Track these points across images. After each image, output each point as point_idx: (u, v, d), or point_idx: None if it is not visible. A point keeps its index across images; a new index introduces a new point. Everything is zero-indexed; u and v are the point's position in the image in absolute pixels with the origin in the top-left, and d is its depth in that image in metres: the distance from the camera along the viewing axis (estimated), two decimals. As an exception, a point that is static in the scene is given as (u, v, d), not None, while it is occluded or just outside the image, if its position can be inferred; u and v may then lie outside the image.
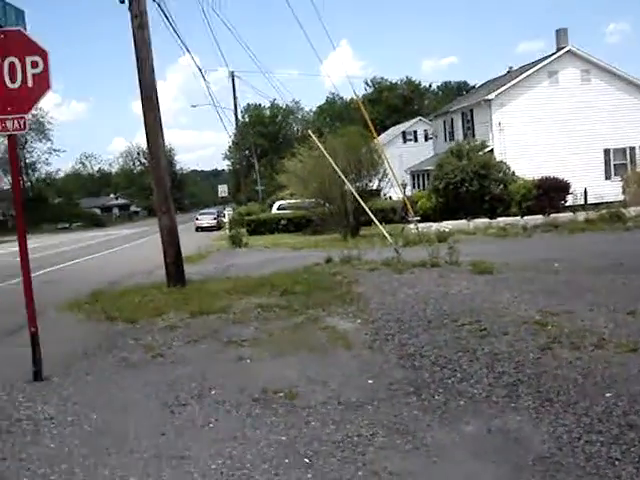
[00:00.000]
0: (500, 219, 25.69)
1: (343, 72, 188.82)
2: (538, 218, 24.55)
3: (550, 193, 27.67)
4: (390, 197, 33.13)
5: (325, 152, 19.71)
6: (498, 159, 30.65)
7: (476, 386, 5.46)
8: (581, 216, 24.04)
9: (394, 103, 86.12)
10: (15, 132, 6.67)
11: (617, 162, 33.65)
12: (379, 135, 30.39)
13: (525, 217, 25.52)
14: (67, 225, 77.82)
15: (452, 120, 40.16)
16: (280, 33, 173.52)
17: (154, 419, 5.25)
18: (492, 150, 32.28)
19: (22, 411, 5.70)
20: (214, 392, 5.82)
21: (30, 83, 6.52)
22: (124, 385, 6.33)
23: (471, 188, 27.81)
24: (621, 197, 28.77)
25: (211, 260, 19.84)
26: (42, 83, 6.58)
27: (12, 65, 6.47)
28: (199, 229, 46.33)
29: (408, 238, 18.94)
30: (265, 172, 68.48)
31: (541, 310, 7.99)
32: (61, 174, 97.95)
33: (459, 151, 29.69)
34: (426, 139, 53.50)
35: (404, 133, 58.79)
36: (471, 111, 36.89)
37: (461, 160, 28.79)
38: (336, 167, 19.37)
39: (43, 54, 6.53)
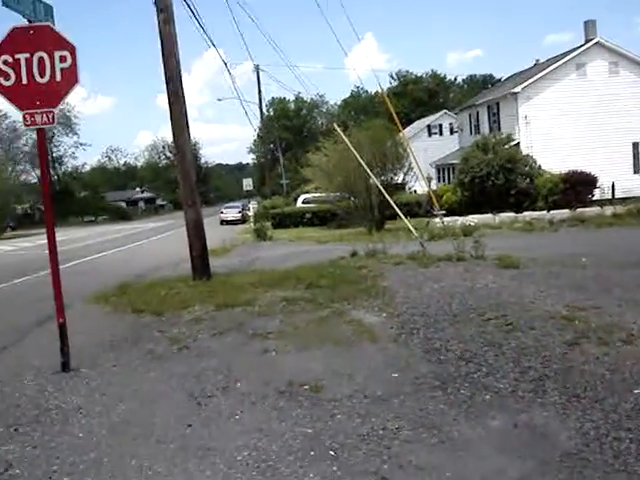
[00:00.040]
0: (526, 213, 25.48)
1: (368, 65, 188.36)
2: (565, 212, 24.31)
3: (577, 187, 27.38)
4: (415, 191, 33.01)
5: (350, 146, 19.66)
6: (524, 153, 30.38)
7: (502, 381, 5.42)
8: (608, 210, 23.76)
9: (419, 96, 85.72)
10: (44, 126, 6.74)
11: (646, 156, 33.22)
12: (404, 129, 30.27)
13: (551, 211, 25.28)
14: (93, 218, 78.67)
15: (478, 113, 39.90)
16: (305, 26, 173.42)
17: (180, 410, 5.29)
18: (518, 144, 32.01)
19: (51, 401, 5.79)
20: (240, 384, 5.85)
21: (59, 77, 6.58)
22: (151, 377, 6.39)
23: (497, 182, 27.60)
24: (650, 191, 28.42)
25: (236, 253, 19.91)
26: (70, 77, 6.64)
27: (41, 60, 6.53)
28: (224, 222, 46.47)
29: (433, 232, 18.84)
30: (290, 166, 68.61)
31: (568, 305, 7.90)
32: (87, 168, 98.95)
33: (485, 145, 29.47)
34: (451, 132, 53.26)
35: (429, 127, 58.52)
36: (497, 104, 36.61)
37: (487, 154, 28.58)
38: (361, 161, 19.30)
39: (71, 49, 6.59)
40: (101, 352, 7.50)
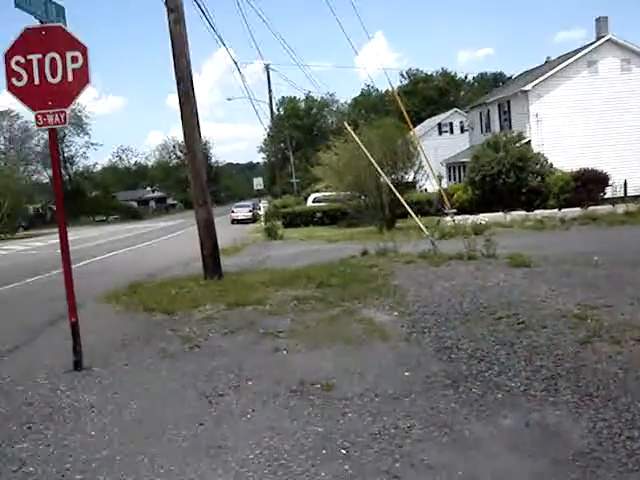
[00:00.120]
0: (537, 212, 25.37)
1: (378, 64, 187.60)
2: (576, 211, 24.19)
3: (588, 185, 27.21)
4: (426, 189, 32.94)
5: (361, 144, 19.64)
6: (535, 151, 30.23)
7: (514, 379, 5.41)
8: (620, 208, 23.61)
9: (429, 95, 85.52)
10: (56, 126, 6.77)
11: (659, 153, 32.93)
12: (414, 127, 30.19)
13: (563, 210, 25.15)
14: (104, 218, 78.91)
15: (488, 111, 39.78)
16: (315, 25, 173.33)
17: (192, 409, 5.31)
18: (529, 142, 31.88)
19: (64, 399, 5.83)
20: (251, 383, 5.87)
21: (70, 78, 6.61)
22: (162, 375, 6.41)
23: (508, 180, 27.49)
24: (663, 189, 28.25)
25: (247, 252, 19.95)
26: (82, 78, 6.67)
27: (53, 60, 6.57)
28: (235, 222, 46.52)
29: (444, 231, 18.83)
30: (300, 165, 68.60)
31: (580, 303, 7.88)
32: (98, 167, 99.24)
33: (496, 143, 29.35)
34: (462, 131, 53.09)
35: (440, 125, 58.35)
36: (508, 102, 36.47)
37: (498, 152, 28.47)
38: (372, 159, 19.29)
39: (83, 49, 6.62)
40: (113, 351, 7.54)
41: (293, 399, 5.33)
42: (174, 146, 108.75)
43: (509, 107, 36.29)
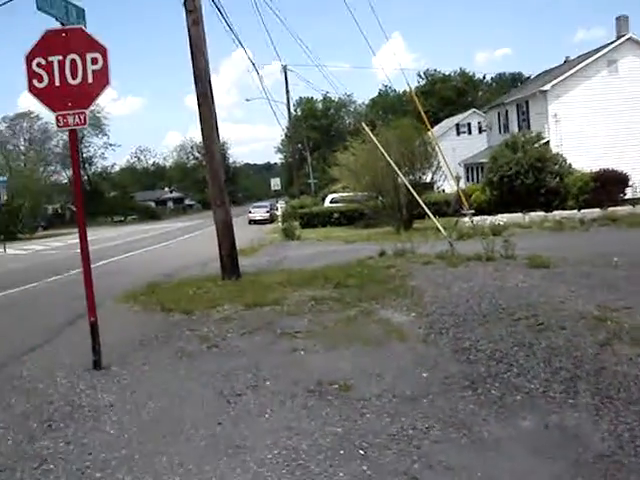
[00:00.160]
0: (556, 212, 25.22)
1: (395, 65, 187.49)
2: (595, 212, 24.02)
3: (608, 186, 26.98)
4: (443, 190, 32.86)
5: (378, 144, 19.62)
6: (554, 151, 30.06)
7: (533, 381, 5.38)
8: (641, 209, 23.43)
9: (447, 95, 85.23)
10: (76, 127, 6.83)
11: (680, 154, 32.59)
12: (432, 127, 30.08)
13: (582, 210, 24.99)
14: (122, 218, 79.41)
15: (507, 112, 39.60)
16: (332, 26, 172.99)
17: (210, 408, 5.33)
18: (548, 142, 31.69)
19: (83, 398, 5.87)
20: (269, 383, 5.87)
21: (90, 79, 6.66)
22: (180, 375, 6.44)
23: (526, 181, 27.35)
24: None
25: (264, 253, 19.99)
26: (102, 79, 6.71)
27: (73, 62, 6.62)
28: (252, 222, 46.66)
29: (462, 231, 18.75)
30: (317, 165, 68.64)
31: (600, 305, 7.80)
32: (117, 168, 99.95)
33: (514, 143, 29.22)
34: (480, 131, 52.85)
35: (457, 125, 58.15)
36: (526, 102, 36.28)
37: (516, 152, 28.34)
38: (390, 159, 19.26)
39: (103, 51, 6.66)
40: (131, 350, 7.58)
41: (311, 399, 5.33)
42: (192, 147, 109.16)
43: (527, 107, 36.09)
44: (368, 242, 20.09)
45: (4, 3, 12.63)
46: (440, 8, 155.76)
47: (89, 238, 7.16)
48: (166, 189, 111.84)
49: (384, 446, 4.32)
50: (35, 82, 6.66)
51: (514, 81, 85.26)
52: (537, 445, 4.21)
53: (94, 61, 6.63)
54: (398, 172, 20.58)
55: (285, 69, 45.31)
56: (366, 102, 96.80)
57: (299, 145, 70.57)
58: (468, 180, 41.28)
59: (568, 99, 32.48)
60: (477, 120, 55.87)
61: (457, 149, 45.97)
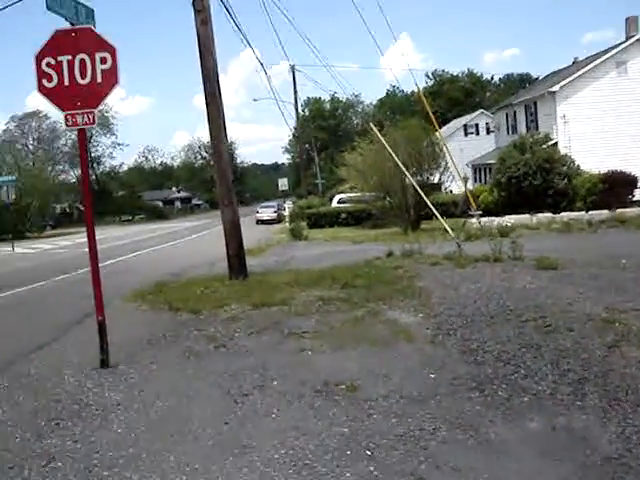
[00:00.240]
0: (564, 214, 25.09)
1: (403, 65, 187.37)
2: (603, 213, 23.90)
3: (616, 187, 26.82)
4: (451, 191, 32.81)
5: (386, 145, 19.61)
6: (562, 152, 29.93)
7: (540, 383, 5.36)
8: (650, 211, 23.31)
9: (455, 96, 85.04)
10: (85, 126, 6.85)
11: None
12: (440, 128, 29.99)
13: (590, 212, 24.86)
14: (130, 217, 79.62)
15: (515, 113, 39.49)
16: (340, 26, 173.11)
17: (217, 408, 5.34)
18: (556, 143, 31.58)
19: (91, 397, 5.89)
20: (276, 383, 5.88)
21: (99, 79, 6.68)
22: (188, 374, 6.45)
23: (534, 182, 27.25)
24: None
25: (272, 253, 20.00)
26: (110, 79, 6.74)
27: (82, 61, 6.64)
28: (260, 222, 46.67)
29: (470, 232, 18.71)
30: (325, 166, 68.64)
31: (608, 307, 7.77)
32: (125, 168, 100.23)
33: (522, 144, 29.11)
34: (488, 132, 52.73)
35: (465, 126, 57.99)
36: (535, 103, 36.16)
37: (524, 153, 28.24)
38: (397, 160, 19.25)
39: (112, 50, 6.69)
40: (139, 349, 7.60)
41: (318, 399, 5.33)
42: (200, 147, 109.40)
43: (536, 108, 35.98)
44: (375, 242, 20.07)
45: (13, 3, 12.67)
46: (448, 8, 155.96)
47: (97, 237, 7.19)
48: (174, 189, 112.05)
49: (391, 447, 4.32)
50: (45, 82, 6.69)
51: (522, 82, 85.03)
52: (544, 447, 4.21)
53: (103, 61, 6.65)
54: (406, 172, 20.57)
55: (293, 69, 45.32)
56: (374, 102, 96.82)
57: (307, 145, 70.56)
58: (476, 181, 41.18)
59: (577, 100, 32.36)
60: (485, 121, 55.74)
61: (465, 150, 45.85)
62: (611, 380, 5.28)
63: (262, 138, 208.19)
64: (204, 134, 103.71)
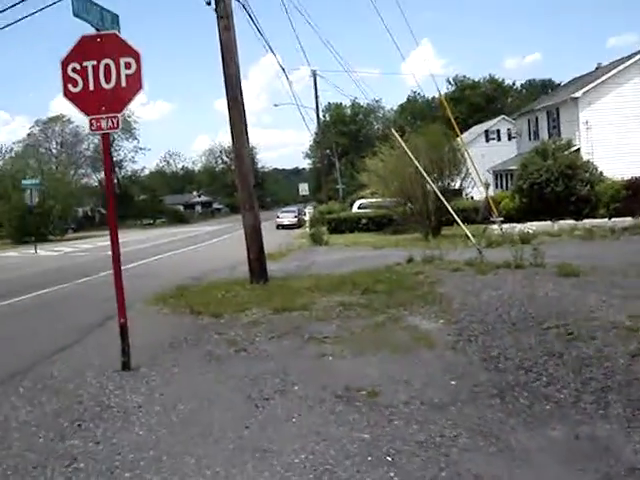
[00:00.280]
0: (586, 221, 24.88)
1: (424, 71, 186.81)
2: (627, 220, 23.65)
3: (640, 194, 26.60)
4: (472, 197, 32.64)
5: (408, 150, 19.57)
6: (585, 159, 29.70)
7: (563, 391, 5.32)
8: (674, 219, 23.02)
9: (476, 102, 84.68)
10: (109, 131, 6.92)
11: None
12: (461, 134, 29.83)
13: (613, 219, 24.64)
14: (151, 221, 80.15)
15: (537, 119, 39.27)
16: (361, 32, 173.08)
17: (238, 412, 5.35)
18: (578, 149, 31.36)
19: (112, 399, 5.94)
20: (297, 388, 5.88)
21: (124, 84, 6.74)
22: (209, 378, 6.48)
23: (556, 188, 27.06)
24: None
25: (292, 257, 20.03)
26: (134, 84, 6.79)
27: (107, 67, 6.71)
28: (280, 227, 46.73)
29: (491, 239, 18.61)
30: (346, 171, 68.58)
31: (631, 315, 7.68)
32: (146, 172, 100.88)
33: (544, 150, 28.92)
34: (509, 138, 52.50)
35: (487, 132, 57.78)
36: (557, 109, 35.94)
37: (546, 160, 28.05)
38: (418, 166, 19.21)
39: (136, 55, 6.74)
40: (160, 352, 7.65)
41: (339, 405, 5.32)
42: (221, 151, 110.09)
43: (558, 114, 35.76)
44: (396, 248, 20.03)
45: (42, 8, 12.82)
46: (469, 14, 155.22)
47: (119, 241, 7.24)
48: (194, 193, 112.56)
49: (412, 453, 4.30)
50: (70, 87, 6.77)
51: (544, 87, 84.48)
52: (567, 456, 4.16)
53: (127, 66, 6.71)
54: (427, 178, 20.52)
55: (314, 75, 45.30)
56: (395, 108, 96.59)
57: (327, 150, 70.46)
58: (497, 187, 40.99)
59: (600, 106, 32.10)
60: (506, 127, 55.51)
61: (486, 156, 45.60)
62: (635, 389, 5.22)
63: (283, 143, 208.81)
64: (225, 138, 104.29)
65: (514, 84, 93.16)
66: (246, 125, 13.44)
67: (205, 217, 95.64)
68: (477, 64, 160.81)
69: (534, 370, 5.92)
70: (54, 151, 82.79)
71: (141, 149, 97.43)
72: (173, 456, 4.52)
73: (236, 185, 14.12)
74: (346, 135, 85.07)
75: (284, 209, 56.44)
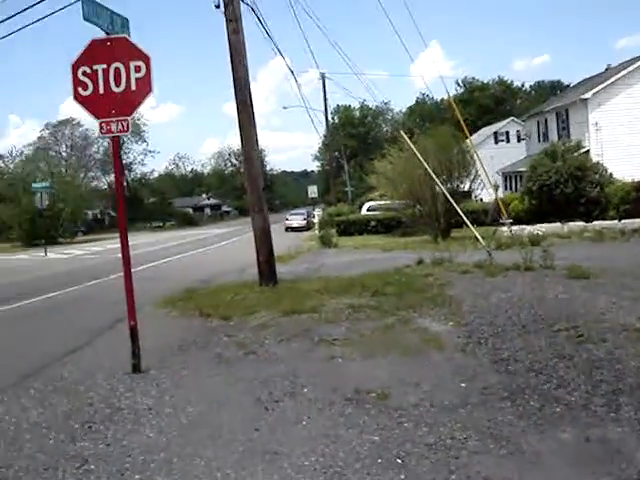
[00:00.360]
0: (596, 222, 24.78)
1: (433, 73, 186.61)
2: (637, 222, 23.51)
3: (650, 196, 26.47)
4: (481, 199, 32.59)
5: (417, 152, 19.55)
6: (594, 160, 29.62)
7: (573, 394, 5.29)
8: (685, 220, 22.92)
9: (485, 103, 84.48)
10: (119, 134, 6.95)
11: None
12: (470, 136, 29.75)
13: (623, 221, 24.53)
14: (161, 224, 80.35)
15: (546, 120, 39.16)
16: (370, 34, 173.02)
17: (248, 414, 5.36)
18: (588, 151, 31.25)
19: (123, 401, 5.96)
20: (306, 390, 5.89)
21: (133, 87, 6.77)
22: (218, 380, 6.49)
23: (566, 190, 26.99)
24: None
25: (301, 260, 20.04)
26: (144, 87, 6.82)
27: (117, 70, 6.74)
28: (289, 229, 46.79)
29: (500, 241, 18.55)
30: (354, 173, 68.61)
31: (642, 317, 7.66)
32: (155, 174, 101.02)
33: (553, 152, 28.85)
34: (518, 140, 52.28)
35: (496, 134, 57.61)
36: (566, 111, 35.83)
37: (555, 161, 27.99)
38: (427, 167, 19.19)
39: (146, 59, 6.77)
40: (170, 355, 7.67)
41: (348, 407, 5.32)
42: (229, 154, 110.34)
43: (567, 116, 35.64)
44: (405, 250, 20.00)
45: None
46: (478, 16, 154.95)
47: (129, 243, 7.27)
48: (204, 196, 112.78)
49: (422, 455, 4.29)
50: (80, 90, 6.80)
51: (553, 89, 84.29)
52: (578, 458, 4.14)
53: (137, 69, 6.74)
54: (436, 180, 20.50)
55: (323, 77, 45.28)
56: (403, 110, 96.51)
57: (336, 153, 70.47)
58: (506, 189, 40.88)
59: (609, 107, 31.98)
60: (515, 129, 55.32)
61: (495, 157, 45.46)
62: (646, 392, 5.20)
63: (291, 145, 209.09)
64: (234, 141, 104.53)
65: (523, 86, 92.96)
66: (255, 128, 13.47)
67: (214, 220, 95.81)
68: (486, 66, 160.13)
69: (544, 372, 5.89)
70: (64, 154, 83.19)
71: (150, 152, 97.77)
72: (183, 458, 4.53)
73: (245, 188, 14.13)
74: (355, 137, 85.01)
75: (293, 211, 56.48)
